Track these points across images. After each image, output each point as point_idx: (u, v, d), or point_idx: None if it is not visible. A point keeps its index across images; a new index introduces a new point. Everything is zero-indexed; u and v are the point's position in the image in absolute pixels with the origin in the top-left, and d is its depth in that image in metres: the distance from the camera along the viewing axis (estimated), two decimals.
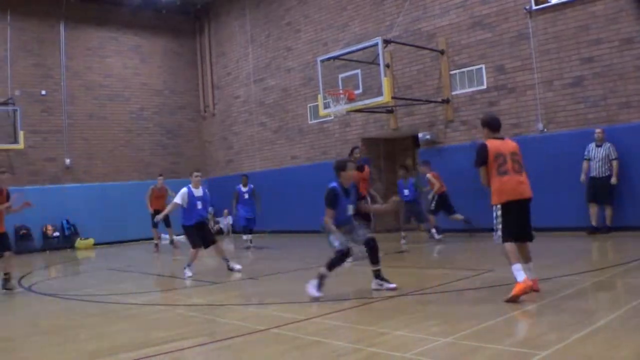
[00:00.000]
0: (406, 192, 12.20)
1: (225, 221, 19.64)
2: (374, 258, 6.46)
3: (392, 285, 6.40)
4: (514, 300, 5.21)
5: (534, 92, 12.05)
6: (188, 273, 9.08)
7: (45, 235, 17.35)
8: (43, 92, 18.01)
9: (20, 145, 16.92)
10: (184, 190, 9.25)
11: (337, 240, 6.33)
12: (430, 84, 13.83)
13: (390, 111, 14.21)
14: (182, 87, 21.16)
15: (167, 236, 14.36)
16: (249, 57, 19.30)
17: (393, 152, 16.09)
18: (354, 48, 12.84)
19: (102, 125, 19.17)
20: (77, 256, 15.62)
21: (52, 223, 17.52)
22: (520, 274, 5.33)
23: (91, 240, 17.78)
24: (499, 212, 5.66)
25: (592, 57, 11.19)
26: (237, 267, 9.34)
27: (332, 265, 6.36)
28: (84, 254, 16.18)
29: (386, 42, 12.17)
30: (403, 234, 11.99)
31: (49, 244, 17.33)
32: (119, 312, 6.61)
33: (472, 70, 13.06)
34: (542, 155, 11.62)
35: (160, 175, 15.02)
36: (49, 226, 17.45)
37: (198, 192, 9.36)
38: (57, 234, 17.50)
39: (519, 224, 5.63)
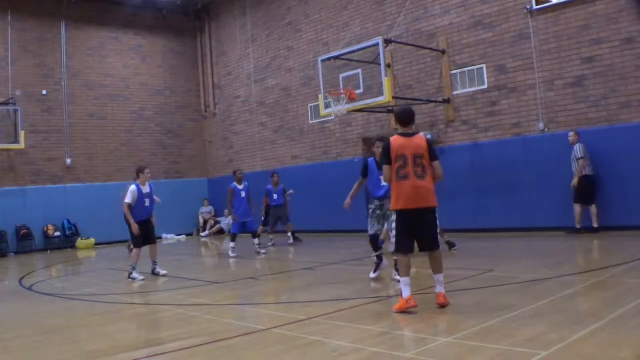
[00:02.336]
0: (275, 196, 13.67)
1: (227, 221, 19.64)
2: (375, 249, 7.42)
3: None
4: (399, 312, 5.20)
5: (534, 92, 12.04)
6: (138, 277, 8.97)
7: (46, 235, 17.37)
8: (44, 92, 18.01)
9: (21, 145, 16.93)
10: (133, 188, 9.22)
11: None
12: (431, 84, 13.82)
13: (391, 111, 14.17)
14: (182, 87, 21.16)
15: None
16: (249, 57, 19.30)
17: None
18: (354, 48, 12.83)
19: (102, 125, 19.18)
20: (78, 256, 15.62)
21: (53, 223, 17.53)
22: (406, 290, 5.21)
23: (92, 240, 17.80)
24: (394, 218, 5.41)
25: (593, 56, 11.18)
26: (163, 272, 9.36)
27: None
28: (84, 253, 16.19)
29: (387, 42, 12.16)
30: (271, 236, 13.76)
31: (50, 244, 17.35)
32: (119, 312, 6.62)
33: (473, 70, 13.05)
34: (542, 155, 11.62)
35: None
36: (50, 226, 17.46)
37: (146, 189, 9.36)
38: (58, 233, 17.51)
39: (415, 234, 5.38)
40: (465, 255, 9.54)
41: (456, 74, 13.35)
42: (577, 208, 10.81)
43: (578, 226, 10.81)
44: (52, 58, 18.30)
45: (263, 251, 11.96)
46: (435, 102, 13.52)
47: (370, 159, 7.32)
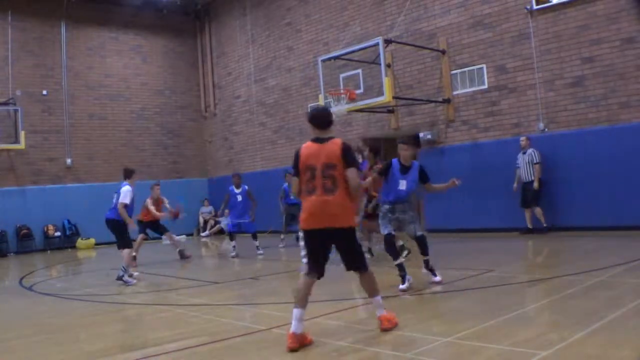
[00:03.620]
0: (292, 196, 13.16)
1: (226, 221, 19.60)
2: (424, 250, 6.73)
3: (437, 279, 6.65)
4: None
5: (534, 92, 12.03)
6: (132, 281, 8.65)
7: (46, 235, 17.38)
8: (44, 92, 18.02)
9: (22, 145, 16.94)
10: (128, 188, 9.09)
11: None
12: (431, 84, 13.82)
13: (391, 111, 14.20)
14: (182, 87, 21.17)
15: (168, 241, 13.45)
16: (249, 57, 19.30)
17: (394, 152, 16.06)
18: (354, 48, 12.84)
19: (103, 125, 19.19)
20: (78, 256, 15.62)
21: (53, 223, 17.54)
22: (295, 324, 4.31)
23: (92, 240, 17.79)
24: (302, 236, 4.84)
25: (593, 56, 11.18)
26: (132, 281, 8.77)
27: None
28: (84, 253, 16.18)
29: (387, 41, 12.16)
30: (282, 236, 13.50)
31: (50, 244, 17.35)
32: (119, 312, 6.62)
33: (473, 70, 13.05)
34: (542, 155, 11.62)
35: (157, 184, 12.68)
36: (50, 226, 17.47)
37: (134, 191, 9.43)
38: (58, 233, 17.52)
39: (325, 257, 4.62)
40: (465, 255, 9.54)
41: (456, 74, 13.35)
42: (527, 212, 11.56)
43: (530, 226, 11.52)
44: (52, 58, 18.31)
45: (260, 251, 11.89)
46: (435, 102, 13.52)
47: (394, 159, 6.96)
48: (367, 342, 4.42)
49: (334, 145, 4.52)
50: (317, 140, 4.61)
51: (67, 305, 7.32)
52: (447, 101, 13.39)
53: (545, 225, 11.32)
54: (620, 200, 10.62)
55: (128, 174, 9.41)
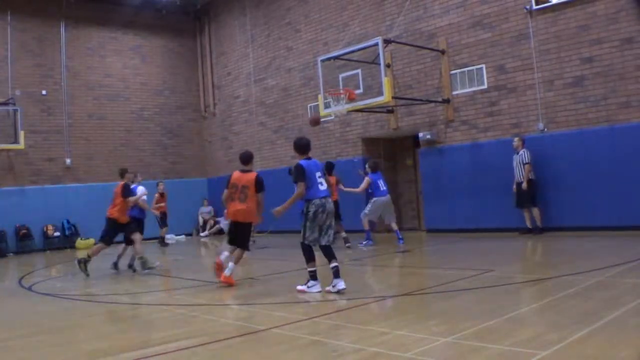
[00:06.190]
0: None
1: (226, 221, 19.60)
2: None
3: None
4: None
5: (534, 92, 12.04)
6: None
7: (45, 235, 17.36)
8: (43, 92, 18.01)
9: (21, 145, 16.92)
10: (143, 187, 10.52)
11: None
12: (430, 84, 13.82)
13: (390, 111, 14.20)
14: (182, 87, 21.16)
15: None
16: (249, 57, 19.30)
17: (393, 152, 16.09)
18: (354, 48, 12.83)
19: (102, 125, 19.18)
20: (77, 256, 15.58)
21: (53, 223, 17.53)
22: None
23: (92, 240, 17.71)
24: None
25: (593, 56, 11.18)
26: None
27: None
28: (84, 254, 16.14)
29: (386, 41, 12.16)
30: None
31: (50, 244, 17.34)
32: (119, 312, 6.62)
33: (472, 70, 13.05)
34: (542, 154, 11.63)
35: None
36: (49, 226, 17.46)
37: None
38: (57, 233, 17.50)
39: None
40: (465, 255, 9.55)
41: (456, 73, 13.35)
42: (526, 212, 11.57)
43: (530, 226, 11.55)
44: (51, 58, 18.30)
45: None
46: (435, 102, 13.52)
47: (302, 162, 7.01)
48: (367, 342, 4.43)
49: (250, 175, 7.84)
50: (243, 170, 7.61)
51: (67, 305, 7.32)
52: (446, 101, 13.39)
53: (538, 225, 11.34)
54: (619, 200, 10.62)
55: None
